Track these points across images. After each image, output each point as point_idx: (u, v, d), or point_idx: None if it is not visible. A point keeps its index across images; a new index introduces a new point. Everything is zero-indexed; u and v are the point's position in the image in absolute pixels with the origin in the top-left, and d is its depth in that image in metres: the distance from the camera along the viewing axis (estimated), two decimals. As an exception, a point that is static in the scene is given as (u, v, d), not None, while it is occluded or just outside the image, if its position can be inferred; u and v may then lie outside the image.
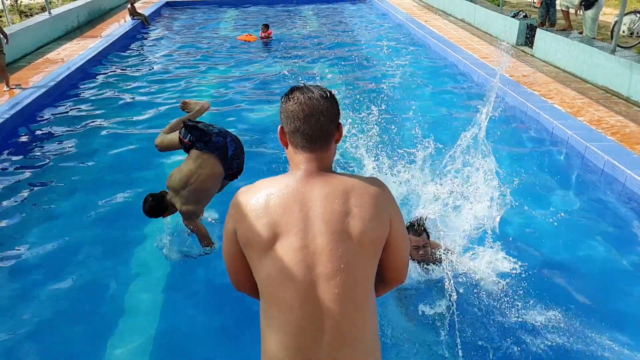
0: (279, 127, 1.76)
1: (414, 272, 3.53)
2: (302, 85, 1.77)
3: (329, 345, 1.59)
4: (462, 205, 4.27)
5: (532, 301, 3.40)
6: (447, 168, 4.53)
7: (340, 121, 1.76)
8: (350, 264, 1.61)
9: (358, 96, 7.78)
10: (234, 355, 3.18)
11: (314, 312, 1.59)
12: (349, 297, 1.60)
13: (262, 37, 11.62)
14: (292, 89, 1.74)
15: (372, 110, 5.43)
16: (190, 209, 3.76)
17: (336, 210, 1.62)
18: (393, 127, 5.95)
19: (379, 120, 5.42)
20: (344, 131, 1.81)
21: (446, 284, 3.19)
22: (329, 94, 1.73)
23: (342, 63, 9.72)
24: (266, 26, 11.81)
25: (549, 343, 3.10)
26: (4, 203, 4.81)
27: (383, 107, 6.88)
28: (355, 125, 5.42)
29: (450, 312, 3.18)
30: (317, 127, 1.68)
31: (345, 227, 1.62)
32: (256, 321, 1.70)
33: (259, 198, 1.67)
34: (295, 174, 1.70)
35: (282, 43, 11.49)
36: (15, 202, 4.86)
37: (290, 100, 1.70)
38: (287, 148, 1.77)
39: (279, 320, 1.61)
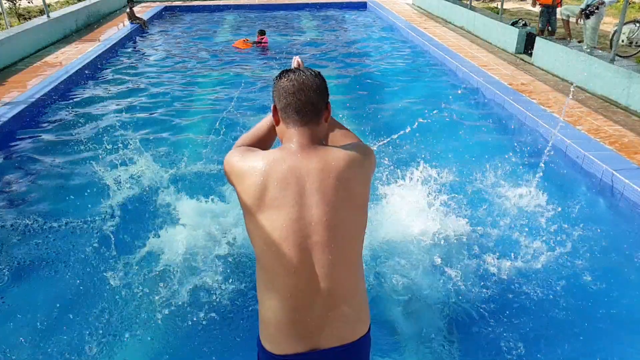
0: (272, 105, 1.88)
1: (420, 272, 3.61)
2: (292, 67, 1.90)
3: (323, 305, 1.73)
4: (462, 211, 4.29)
5: (527, 309, 3.42)
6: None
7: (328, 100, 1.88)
8: (344, 232, 1.75)
9: (356, 102, 7.78)
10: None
11: (310, 276, 1.72)
12: (342, 262, 1.75)
13: (256, 44, 11.58)
14: (284, 70, 1.87)
15: (372, 118, 5.42)
16: None
17: (331, 183, 1.75)
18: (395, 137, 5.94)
19: (379, 127, 5.41)
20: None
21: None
22: (317, 73, 1.86)
23: (340, 70, 9.73)
24: (261, 32, 11.77)
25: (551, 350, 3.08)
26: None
27: (382, 112, 6.88)
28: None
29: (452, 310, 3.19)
30: (307, 101, 1.80)
31: (340, 199, 1.75)
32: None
33: (256, 175, 1.76)
34: (290, 148, 1.80)
35: (279, 50, 11.49)
36: (11, 203, 4.82)
37: (282, 78, 1.83)
38: (278, 125, 1.89)
39: (276, 285, 1.74)
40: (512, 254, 3.91)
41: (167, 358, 3.13)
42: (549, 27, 10.43)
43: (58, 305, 3.53)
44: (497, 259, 3.86)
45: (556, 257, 3.92)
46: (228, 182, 1.93)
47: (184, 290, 3.58)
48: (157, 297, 3.53)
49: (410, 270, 3.71)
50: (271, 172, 1.74)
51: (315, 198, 1.73)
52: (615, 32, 8.40)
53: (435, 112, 6.11)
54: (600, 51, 8.35)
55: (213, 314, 3.38)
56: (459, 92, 8.20)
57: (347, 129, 2.13)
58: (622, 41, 10.04)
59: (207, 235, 4.13)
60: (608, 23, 12.31)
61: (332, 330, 1.75)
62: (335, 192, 1.74)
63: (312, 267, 1.72)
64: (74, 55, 10.09)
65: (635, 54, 9.84)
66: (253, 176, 1.76)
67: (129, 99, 8.06)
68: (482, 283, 3.62)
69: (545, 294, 3.55)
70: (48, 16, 11.61)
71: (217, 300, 3.50)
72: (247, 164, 1.80)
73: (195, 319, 3.34)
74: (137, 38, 12.76)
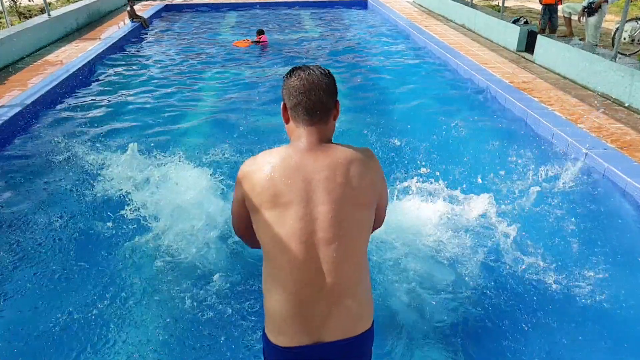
0: (282, 103, 1.90)
1: (424, 270, 3.64)
2: (302, 65, 1.92)
3: (327, 300, 1.77)
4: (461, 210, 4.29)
5: (525, 308, 3.41)
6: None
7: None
8: (349, 229, 1.78)
9: (356, 100, 7.77)
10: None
11: (314, 272, 1.75)
12: (347, 259, 1.78)
13: (256, 42, 11.57)
14: (294, 68, 1.89)
15: (372, 118, 5.41)
16: None
17: (337, 181, 1.78)
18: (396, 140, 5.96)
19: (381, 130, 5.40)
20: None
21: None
22: (327, 72, 1.89)
23: (340, 69, 9.70)
24: (260, 32, 11.78)
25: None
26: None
27: (382, 111, 6.86)
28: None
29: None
30: (317, 101, 1.82)
31: (345, 196, 1.78)
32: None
33: (265, 171, 1.80)
34: (298, 146, 1.83)
35: (279, 48, 11.47)
36: (8, 205, 4.82)
37: (292, 77, 1.85)
38: (287, 124, 1.92)
39: (282, 280, 1.78)
40: (512, 253, 3.89)
41: (171, 353, 3.13)
42: (550, 25, 10.40)
43: (58, 305, 3.53)
44: (498, 257, 3.87)
45: (556, 255, 3.92)
46: (235, 191, 1.95)
47: (188, 285, 3.59)
48: (159, 293, 3.54)
49: (413, 269, 3.70)
50: (279, 169, 1.79)
51: (322, 195, 1.77)
52: (617, 29, 8.38)
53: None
54: (602, 49, 8.32)
55: (218, 309, 3.38)
56: (462, 92, 8.17)
57: None
58: (624, 39, 10.02)
59: (211, 232, 4.13)
60: (610, 21, 12.29)
61: (336, 324, 1.79)
62: (341, 189, 1.78)
63: (318, 263, 1.75)
64: (75, 54, 10.09)
65: (637, 51, 9.82)
66: (262, 172, 1.81)
67: (129, 98, 8.05)
68: (485, 281, 3.62)
69: (544, 294, 3.54)
70: (49, 15, 11.60)
71: (222, 294, 3.50)
72: (257, 162, 1.85)
73: (200, 314, 3.34)
74: (138, 37, 12.75)
